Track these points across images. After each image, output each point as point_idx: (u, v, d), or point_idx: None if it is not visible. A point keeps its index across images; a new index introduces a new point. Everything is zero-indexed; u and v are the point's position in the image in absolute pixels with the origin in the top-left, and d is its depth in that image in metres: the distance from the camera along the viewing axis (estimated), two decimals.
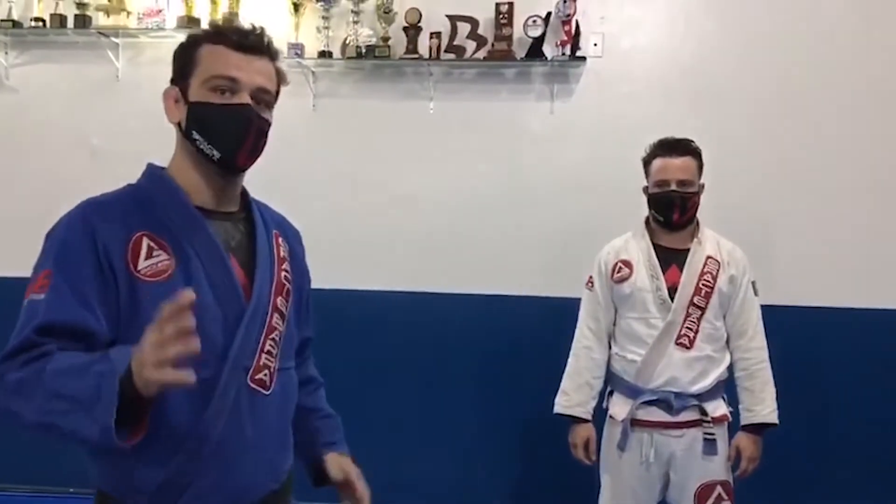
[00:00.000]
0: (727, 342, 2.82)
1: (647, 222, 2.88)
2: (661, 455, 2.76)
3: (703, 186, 2.80)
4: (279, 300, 1.60)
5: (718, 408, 2.77)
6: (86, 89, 3.96)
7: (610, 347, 2.89)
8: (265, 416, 1.56)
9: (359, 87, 3.88)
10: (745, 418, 2.79)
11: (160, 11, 3.78)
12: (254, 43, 1.55)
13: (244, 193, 1.69)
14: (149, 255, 1.47)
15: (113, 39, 3.88)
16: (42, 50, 3.95)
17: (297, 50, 3.78)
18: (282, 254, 1.67)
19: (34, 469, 3.96)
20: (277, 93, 1.62)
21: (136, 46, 3.92)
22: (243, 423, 1.51)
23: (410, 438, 3.72)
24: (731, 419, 2.80)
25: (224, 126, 1.53)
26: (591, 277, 2.93)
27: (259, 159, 1.61)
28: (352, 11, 3.75)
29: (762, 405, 2.77)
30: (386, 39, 3.76)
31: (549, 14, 3.66)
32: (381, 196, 3.87)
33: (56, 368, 1.32)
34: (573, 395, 2.87)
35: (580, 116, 3.79)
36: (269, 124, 1.60)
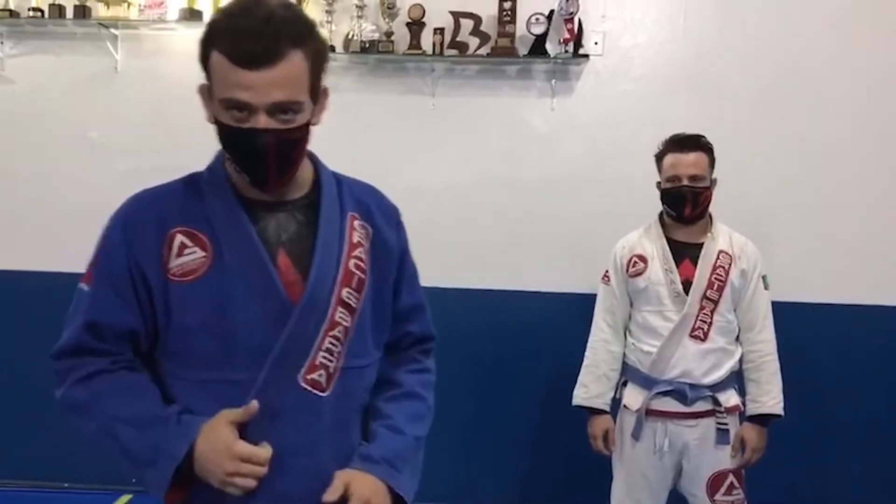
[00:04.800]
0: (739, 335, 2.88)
1: (660, 217, 2.93)
2: (675, 444, 2.82)
3: (715, 181, 2.86)
4: (345, 292, 1.47)
5: (731, 398, 2.83)
6: (84, 81, 3.90)
7: (625, 339, 2.93)
8: (318, 420, 1.46)
9: (361, 82, 3.87)
10: (751, 409, 2.85)
11: (162, 3, 3.74)
12: (258, 54, 1.31)
13: (319, 172, 1.56)
14: (180, 253, 1.43)
15: (112, 31, 3.83)
16: (40, 41, 3.88)
17: None
18: (355, 239, 1.52)
19: (29, 464, 3.92)
20: (317, 78, 1.42)
21: (136, 38, 3.88)
22: (286, 427, 1.43)
23: None
24: (742, 409, 2.86)
25: (243, 153, 1.40)
26: (606, 272, 2.98)
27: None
28: (355, 6, 3.74)
29: (767, 396, 2.83)
30: (389, 35, 3.77)
31: (552, 12, 3.69)
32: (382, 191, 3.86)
33: (116, 415, 1.42)
34: (592, 386, 2.91)
35: (581, 113, 3.83)
36: (302, 128, 1.41)
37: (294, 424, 1.44)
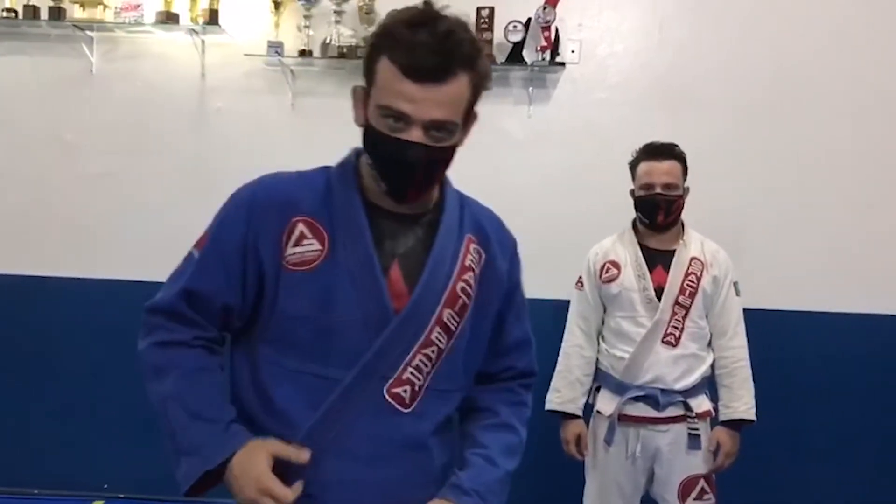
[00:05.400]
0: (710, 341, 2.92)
1: (633, 224, 2.97)
2: (647, 450, 2.85)
3: (687, 189, 2.90)
4: (447, 313, 1.46)
5: (702, 404, 2.87)
6: (59, 83, 3.87)
7: (598, 345, 2.96)
8: (395, 436, 1.44)
9: (339, 87, 3.85)
10: (724, 414, 2.88)
11: (138, 6, 3.72)
12: (430, 70, 1.32)
13: (445, 192, 1.53)
14: (298, 242, 1.43)
15: (88, 33, 3.81)
16: (14, 42, 3.85)
17: (277, 48, 3.76)
18: (467, 262, 1.50)
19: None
20: (474, 103, 1.42)
21: (112, 41, 3.85)
22: (362, 436, 1.43)
23: None
24: (714, 415, 2.90)
25: (390, 161, 1.39)
26: (580, 278, 3.00)
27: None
28: (334, 11, 3.74)
29: (740, 402, 2.87)
30: (367, 40, 3.76)
31: (529, 20, 3.72)
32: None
33: (177, 394, 1.43)
34: (564, 391, 2.93)
35: (557, 121, 3.86)
36: (450, 149, 1.41)
37: (370, 435, 1.43)
